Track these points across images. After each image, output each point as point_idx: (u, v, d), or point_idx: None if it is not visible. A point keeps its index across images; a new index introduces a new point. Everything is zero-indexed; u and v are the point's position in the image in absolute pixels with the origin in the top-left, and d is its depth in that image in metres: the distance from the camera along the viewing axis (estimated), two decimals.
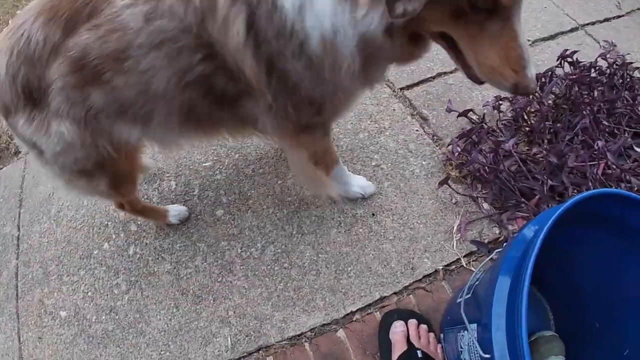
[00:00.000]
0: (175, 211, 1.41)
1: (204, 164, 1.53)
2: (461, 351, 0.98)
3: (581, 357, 1.02)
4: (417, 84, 1.61)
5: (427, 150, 1.44)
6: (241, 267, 1.32)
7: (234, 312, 1.26)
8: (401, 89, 1.60)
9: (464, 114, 1.42)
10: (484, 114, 1.47)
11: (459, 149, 1.38)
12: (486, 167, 1.30)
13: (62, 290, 1.44)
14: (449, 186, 1.34)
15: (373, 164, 1.43)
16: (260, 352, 1.21)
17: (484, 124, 1.42)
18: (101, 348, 1.31)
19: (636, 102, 1.40)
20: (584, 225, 0.88)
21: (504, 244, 0.97)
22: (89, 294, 1.41)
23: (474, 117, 1.48)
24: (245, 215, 1.40)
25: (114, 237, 1.47)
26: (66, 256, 1.49)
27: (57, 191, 1.64)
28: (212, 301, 1.28)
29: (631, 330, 0.90)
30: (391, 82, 1.62)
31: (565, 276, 1.05)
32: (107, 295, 1.39)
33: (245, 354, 1.21)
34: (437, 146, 1.45)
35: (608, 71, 1.52)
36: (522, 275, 0.72)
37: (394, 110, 1.55)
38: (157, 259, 1.39)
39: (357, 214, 1.35)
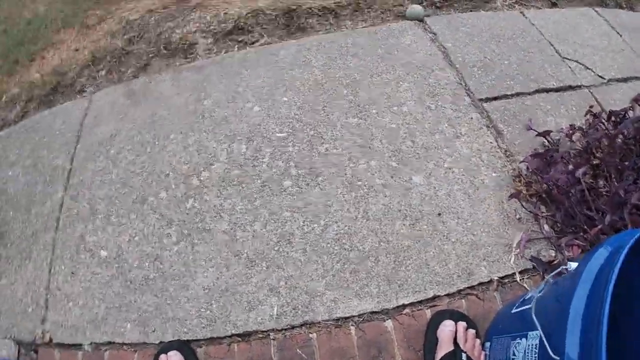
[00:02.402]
0: None
1: (277, 134, 1.54)
2: (513, 358, 0.98)
3: None
4: (496, 98, 1.62)
5: (499, 163, 1.45)
6: (300, 239, 1.32)
7: (285, 283, 1.26)
8: (480, 99, 1.61)
9: (544, 134, 1.43)
10: (559, 139, 1.49)
11: (531, 167, 1.39)
12: (561, 187, 1.32)
13: (107, 230, 1.43)
14: (518, 200, 1.35)
15: (445, 165, 1.44)
16: (304, 327, 1.20)
17: (558, 148, 1.43)
18: (137, 294, 1.31)
19: None
20: None
21: (576, 260, 0.97)
22: (136, 238, 1.41)
23: (547, 140, 1.49)
24: (313, 191, 1.40)
25: (173, 187, 1.47)
26: (119, 197, 1.49)
27: (118, 133, 1.64)
28: (264, 268, 1.28)
29: None
30: (472, 92, 1.64)
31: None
32: (155, 243, 1.38)
33: (288, 326, 1.20)
34: (508, 161, 1.46)
35: None
36: (603, 285, 0.73)
37: (471, 118, 1.56)
38: (215, 217, 1.39)
39: (423, 210, 1.35)
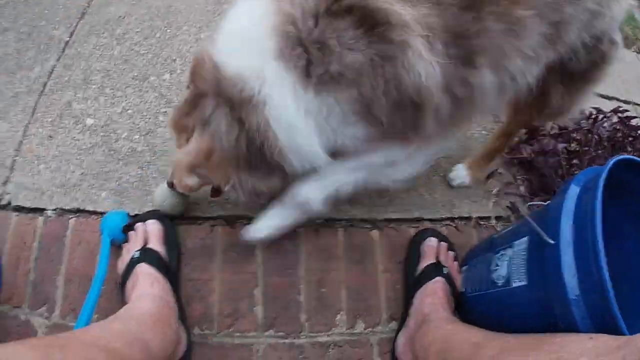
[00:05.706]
0: None
1: None
2: (495, 269, 1.03)
3: None
4: None
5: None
6: None
7: None
8: None
9: None
10: None
11: None
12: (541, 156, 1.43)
13: (99, 100, 1.38)
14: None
15: None
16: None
17: None
18: (120, 164, 1.26)
19: None
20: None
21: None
22: (129, 111, 1.36)
23: None
24: None
25: (178, 71, 1.45)
26: (118, 72, 1.44)
27: (129, 16, 1.58)
28: None
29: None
30: None
31: None
32: (150, 119, 1.35)
33: None
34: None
35: None
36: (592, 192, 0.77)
37: None
38: None
39: None
